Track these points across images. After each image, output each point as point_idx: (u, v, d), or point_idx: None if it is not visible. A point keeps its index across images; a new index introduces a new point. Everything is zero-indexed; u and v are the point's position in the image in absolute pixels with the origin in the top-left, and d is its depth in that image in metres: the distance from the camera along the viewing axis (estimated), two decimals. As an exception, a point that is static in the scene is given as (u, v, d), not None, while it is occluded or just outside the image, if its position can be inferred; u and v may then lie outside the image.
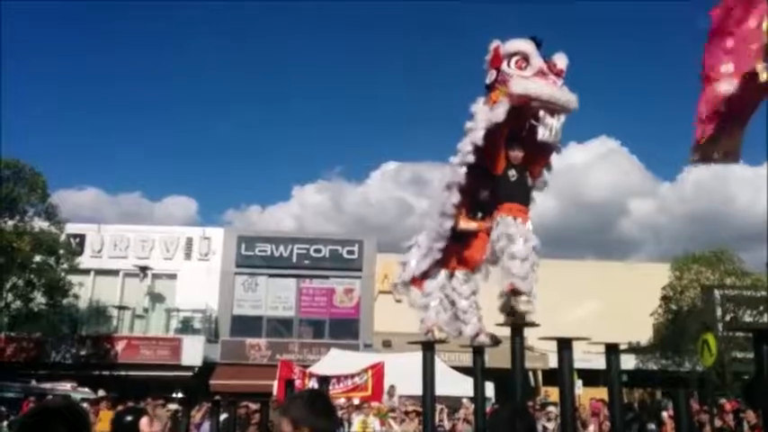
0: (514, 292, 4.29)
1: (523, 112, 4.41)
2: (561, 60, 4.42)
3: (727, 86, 3.71)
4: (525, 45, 4.40)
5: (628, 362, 21.35)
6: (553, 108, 4.29)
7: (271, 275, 25.25)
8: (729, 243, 32.02)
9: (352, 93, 58.52)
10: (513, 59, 4.39)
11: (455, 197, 4.65)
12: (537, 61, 4.34)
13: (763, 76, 3.48)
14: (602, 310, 23.45)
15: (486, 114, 4.45)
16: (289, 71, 57.58)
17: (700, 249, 24.08)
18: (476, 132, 4.45)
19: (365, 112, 59.13)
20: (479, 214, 4.92)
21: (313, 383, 11.59)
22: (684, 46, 53.02)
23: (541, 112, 4.30)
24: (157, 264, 24.48)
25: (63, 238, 20.32)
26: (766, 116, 4.08)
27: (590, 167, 51.86)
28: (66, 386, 16.62)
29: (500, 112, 4.35)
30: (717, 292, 22.37)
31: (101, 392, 15.18)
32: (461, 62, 46.27)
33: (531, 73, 4.33)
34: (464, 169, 4.55)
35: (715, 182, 48.76)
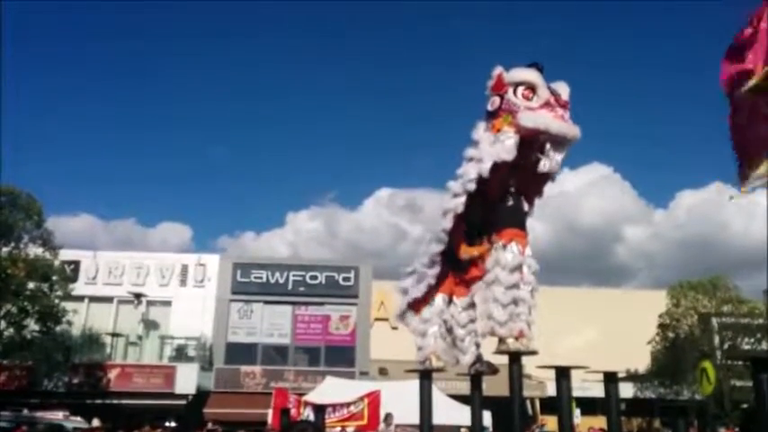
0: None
1: (529, 143, 4.39)
2: (563, 90, 4.41)
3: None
4: (532, 75, 4.35)
5: (626, 390, 21.19)
6: (560, 142, 4.29)
7: (266, 302, 25.09)
8: (724, 270, 32.04)
9: (344, 119, 58.99)
10: (520, 89, 4.33)
11: (449, 223, 4.61)
12: (544, 92, 4.30)
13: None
14: (599, 337, 23.36)
15: (494, 147, 4.37)
16: (282, 97, 58.09)
17: (694, 276, 24.11)
18: (483, 164, 4.37)
19: (357, 139, 59.55)
20: (477, 239, 4.87)
21: (308, 412, 11.43)
22: (679, 71, 53.76)
23: (548, 146, 4.28)
24: (152, 291, 24.32)
25: (57, 264, 20.20)
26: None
27: (584, 194, 52.14)
28: (58, 415, 16.38)
29: (510, 149, 4.30)
30: (714, 320, 22.30)
31: (95, 422, 14.96)
32: (455, 88, 46.85)
33: (538, 104, 4.28)
34: (464, 198, 4.49)
35: (708, 208, 49.07)
